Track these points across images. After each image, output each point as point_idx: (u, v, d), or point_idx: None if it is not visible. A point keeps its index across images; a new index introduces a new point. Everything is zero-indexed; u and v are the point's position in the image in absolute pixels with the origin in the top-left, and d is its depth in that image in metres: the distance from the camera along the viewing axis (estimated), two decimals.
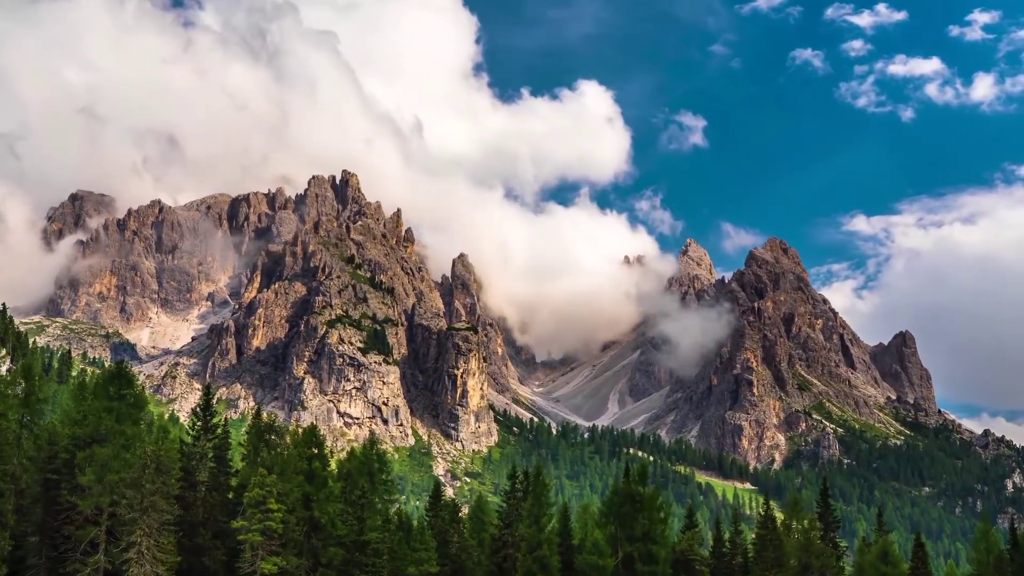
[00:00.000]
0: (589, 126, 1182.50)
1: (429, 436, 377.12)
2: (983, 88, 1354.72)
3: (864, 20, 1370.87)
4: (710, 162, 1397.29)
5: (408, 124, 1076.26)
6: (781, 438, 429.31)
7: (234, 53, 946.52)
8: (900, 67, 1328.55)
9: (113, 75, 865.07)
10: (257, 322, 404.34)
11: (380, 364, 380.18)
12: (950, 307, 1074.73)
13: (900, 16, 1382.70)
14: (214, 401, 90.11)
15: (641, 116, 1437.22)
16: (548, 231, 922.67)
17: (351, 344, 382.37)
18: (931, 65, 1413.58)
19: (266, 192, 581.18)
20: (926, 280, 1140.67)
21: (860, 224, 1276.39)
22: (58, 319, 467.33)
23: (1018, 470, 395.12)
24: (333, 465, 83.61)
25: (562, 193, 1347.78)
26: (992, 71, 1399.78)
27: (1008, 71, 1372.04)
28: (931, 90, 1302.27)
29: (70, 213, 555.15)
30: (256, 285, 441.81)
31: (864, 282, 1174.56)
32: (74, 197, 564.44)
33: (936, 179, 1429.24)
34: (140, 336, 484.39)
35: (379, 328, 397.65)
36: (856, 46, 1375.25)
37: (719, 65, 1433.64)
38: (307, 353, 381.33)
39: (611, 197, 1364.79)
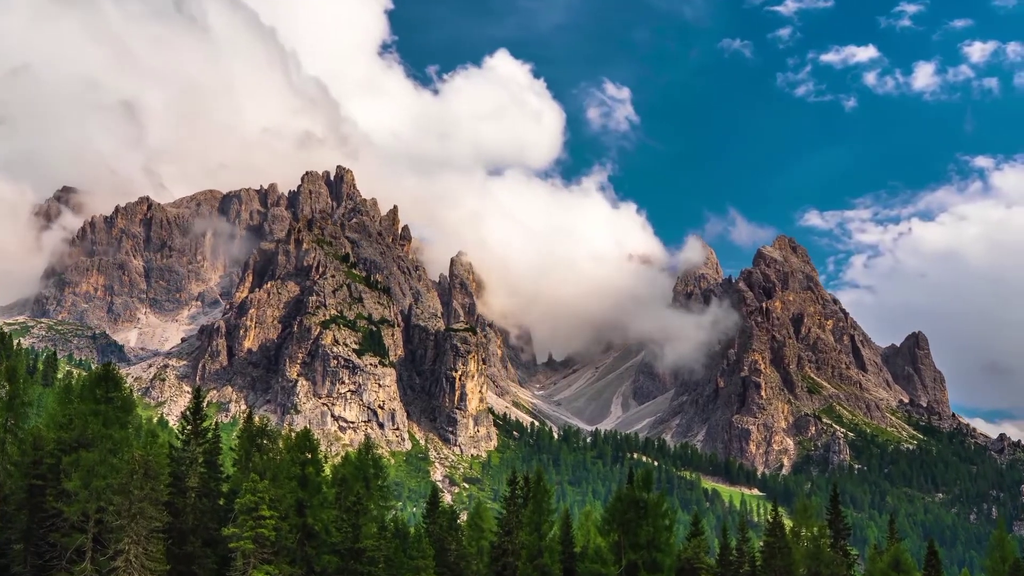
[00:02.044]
0: (517, 100, 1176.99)
1: (426, 440, 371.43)
2: (924, 77, 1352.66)
3: (787, 8, 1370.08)
4: (651, 151, 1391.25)
5: (337, 104, 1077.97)
6: (790, 442, 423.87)
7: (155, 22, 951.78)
8: (834, 56, 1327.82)
9: (53, 53, 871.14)
10: (249, 323, 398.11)
11: (376, 366, 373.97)
12: (920, 305, 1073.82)
13: (826, 4, 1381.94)
14: (204, 404, 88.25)
15: (565, 89, 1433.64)
16: (534, 220, 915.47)
17: (346, 345, 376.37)
18: (867, 53, 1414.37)
19: (258, 188, 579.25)
20: (892, 278, 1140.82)
21: (814, 219, 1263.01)
22: (43, 320, 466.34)
23: None
24: (327, 470, 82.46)
25: (506, 172, 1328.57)
26: (932, 60, 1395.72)
27: (949, 60, 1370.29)
28: (870, 79, 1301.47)
29: (56, 209, 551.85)
30: (248, 284, 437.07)
31: (825, 281, 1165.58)
32: (60, 193, 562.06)
33: (888, 171, 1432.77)
34: (128, 337, 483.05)
35: (375, 329, 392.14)
36: (783, 35, 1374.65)
37: (650, 52, 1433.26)
38: (300, 355, 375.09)
39: (552, 173, 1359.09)
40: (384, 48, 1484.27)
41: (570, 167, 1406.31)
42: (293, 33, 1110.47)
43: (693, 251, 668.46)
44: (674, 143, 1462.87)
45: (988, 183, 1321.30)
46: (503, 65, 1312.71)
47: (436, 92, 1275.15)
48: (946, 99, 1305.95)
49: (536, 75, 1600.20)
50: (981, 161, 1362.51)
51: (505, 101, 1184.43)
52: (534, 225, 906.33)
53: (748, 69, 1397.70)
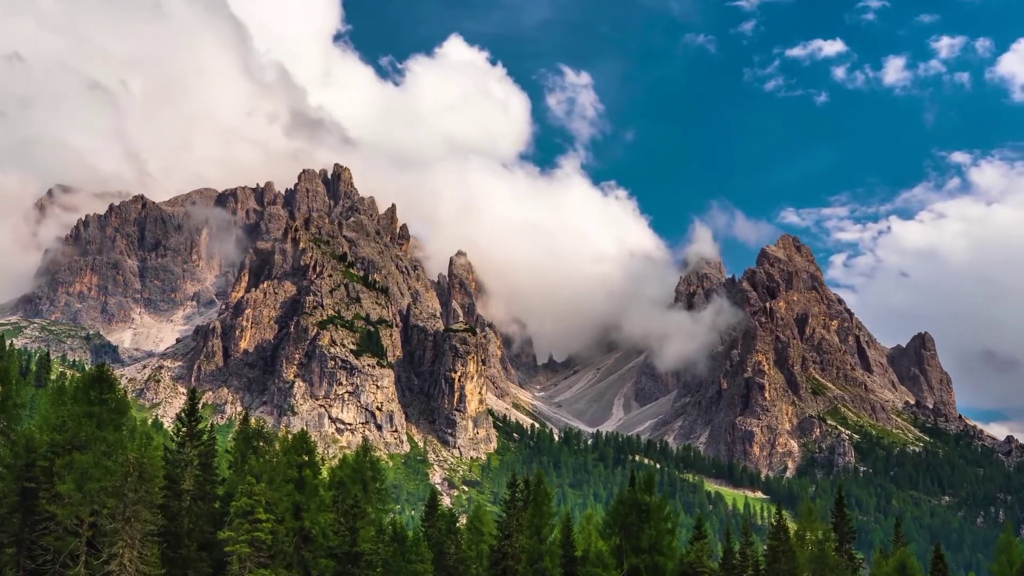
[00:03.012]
0: (481, 88, 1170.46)
1: (425, 443, 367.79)
2: (894, 72, 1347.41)
3: (749, 3, 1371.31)
4: (624, 142, 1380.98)
5: (305, 91, 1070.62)
6: (794, 445, 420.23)
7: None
8: (801, 50, 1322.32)
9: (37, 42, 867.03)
10: (245, 323, 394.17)
11: (374, 367, 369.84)
12: (905, 304, 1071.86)
13: None
14: (200, 406, 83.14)
15: (524, 76, 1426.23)
16: (529, 215, 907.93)
17: (343, 346, 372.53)
18: (834, 47, 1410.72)
19: (254, 187, 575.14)
20: (873, 276, 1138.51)
21: (790, 217, 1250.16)
22: (36, 320, 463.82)
23: None
24: (324, 473, 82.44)
25: (485, 162, 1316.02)
26: (902, 54, 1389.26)
27: (918, 55, 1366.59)
28: (840, 74, 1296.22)
29: (50, 208, 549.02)
30: (244, 284, 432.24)
31: None
32: (53, 192, 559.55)
33: (865, 168, 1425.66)
34: (122, 338, 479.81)
35: (373, 329, 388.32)
36: (747, 29, 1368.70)
37: (612, 43, 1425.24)
38: (297, 355, 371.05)
39: (525, 159, 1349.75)
40: (338, 37, 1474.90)
41: (544, 155, 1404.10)
42: (250, 19, 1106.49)
43: (703, 243, 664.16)
44: (647, 139, 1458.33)
45: (966, 180, 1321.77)
46: (457, 52, 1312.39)
47: (397, 84, 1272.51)
48: (918, 94, 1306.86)
49: (492, 62, 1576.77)
50: (958, 157, 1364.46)
51: (470, 89, 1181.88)
52: (526, 216, 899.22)
53: (714, 64, 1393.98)
